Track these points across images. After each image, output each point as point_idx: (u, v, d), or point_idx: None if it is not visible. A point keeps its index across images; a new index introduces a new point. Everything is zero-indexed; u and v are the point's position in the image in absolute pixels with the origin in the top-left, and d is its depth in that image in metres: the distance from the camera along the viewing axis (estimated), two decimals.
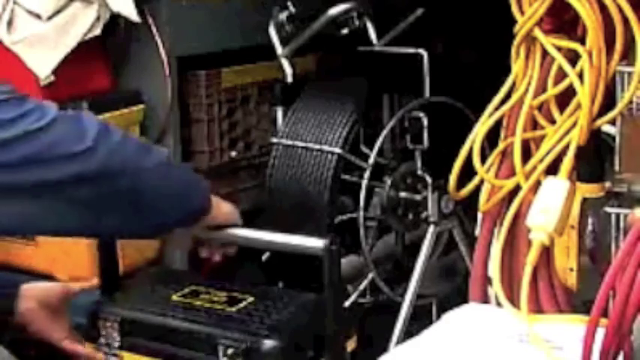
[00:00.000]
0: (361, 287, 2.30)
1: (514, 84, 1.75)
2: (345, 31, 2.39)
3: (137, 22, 2.17)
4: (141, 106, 2.23)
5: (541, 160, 1.67)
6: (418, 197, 2.35)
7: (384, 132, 2.30)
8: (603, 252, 1.70)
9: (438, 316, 1.69)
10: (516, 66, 1.74)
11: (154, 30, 2.21)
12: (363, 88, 2.35)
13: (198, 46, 2.31)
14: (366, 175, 2.25)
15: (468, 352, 1.52)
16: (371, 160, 2.26)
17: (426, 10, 2.47)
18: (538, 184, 1.66)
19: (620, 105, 1.64)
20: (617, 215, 1.66)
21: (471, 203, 2.29)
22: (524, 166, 1.69)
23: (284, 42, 2.36)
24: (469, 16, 2.57)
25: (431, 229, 2.32)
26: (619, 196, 1.66)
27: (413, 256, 2.34)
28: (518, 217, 1.71)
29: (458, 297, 1.89)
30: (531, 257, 1.62)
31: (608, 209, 1.67)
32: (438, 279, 2.52)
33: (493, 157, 1.77)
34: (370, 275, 2.30)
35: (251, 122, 2.49)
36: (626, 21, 1.62)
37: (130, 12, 2.15)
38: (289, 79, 2.37)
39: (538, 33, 1.69)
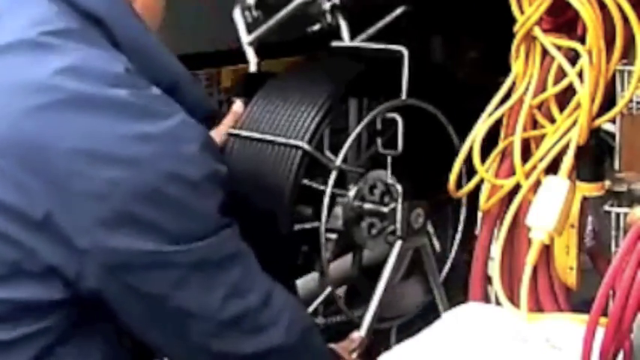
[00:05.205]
0: (316, 303, 2.05)
1: (514, 83, 1.75)
2: (316, 27, 2.20)
3: None
4: None
5: (541, 160, 1.67)
6: (385, 209, 2.10)
7: (355, 132, 2.07)
8: (603, 251, 1.71)
9: (398, 342, 1.62)
10: (516, 65, 1.74)
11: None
12: (346, 69, 2.10)
13: (198, 45, 2.31)
14: (332, 178, 2.00)
15: (468, 352, 1.52)
16: (338, 162, 2.01)
17: (426, 9, 2.43)
18: (538, 183, 1.66)
19: (620, 104, 1.64)
20: (617, 214, 1.66)
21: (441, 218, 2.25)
22: (524, 165, 1.69)
23: (250, 28, 2.19)
24: (469, 15, 2.56)
25: (398, 244, 2.07)
26: (619, 195, 1.66)
27: (371, 281, 2.10)
28: (518, 216, 1.71)
29: (419, 322, 1.80)
30: (531, 256, 1.62)
31: (608, 208, 1.67)
32: (400, 302, 2.29)
33: (493, 157, 1.76)
34: (328, 290, 2.05)
35: None
36: (626, 20, 1.62)
37: None
38: (253, 68, 2.17)
39: (538, 32, 1.69)
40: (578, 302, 1.68)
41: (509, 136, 1.74)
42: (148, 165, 1.39)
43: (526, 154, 1.70)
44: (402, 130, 2.05)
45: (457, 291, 2.12)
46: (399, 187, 2.07)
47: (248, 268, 1.52)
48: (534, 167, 1.68)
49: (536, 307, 1.67)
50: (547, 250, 1.68)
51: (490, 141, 1.77)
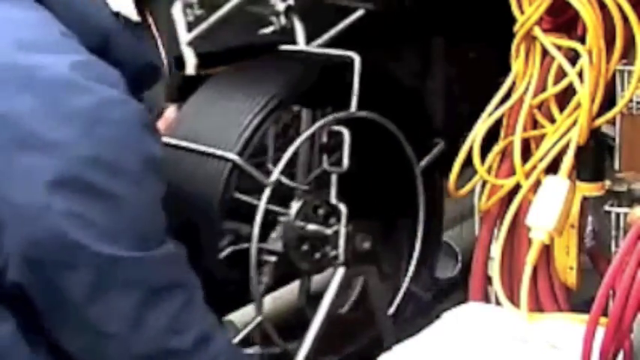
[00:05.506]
0: (243, 333, 1.79)
1: (514, 83, 1.75)
2: (268, 29, 2.00)
3: (137, 22, 2.16)
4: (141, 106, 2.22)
5: (541, 160, 1.67)
6: (328, 231, 1.83)
7: (294, 145, 1.82)
8: (603, 251, 1.71)
9: None
10: (516, 65, 1.74)
11: (154, 30, 2.20)
12: (289, 74, 1.87)
13: (198, 45, 2.31)
14: (265, 194, 1.77)
15: (468, 352, 1.52)
16: (273, 177, 1.77)
17: (427, 12, 2.40)
18: (538, 183, 1.66)
19: (620, 104, 1.64)
20: (617, 214, 1.66)
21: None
22: (524, 165, 1.69)
23: (191, 27, 1.97)
24: (468, 15, 2.54)
25: (340, 271, 1.82)
26: (619, 195, 1.66)
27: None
28: (518, 216, 1.71)
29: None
30: (531, 256, 1.62)
31: (608, 208, 1.67)
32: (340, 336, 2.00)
33: (493, 157, 1.77)
34: (258, 319, 1.79)
35: None
36: (625, 20, 1.62)
37: (130, 12, 2.14)
38: (190, 70, 1.96)
39: (538, 32, 1.69)
40: (578, 302, 1.69)
41: (509, 136, 1.74)
42: (67, 149, 1.25)
43: (526, 154, 1.71)
44: (350, 144, 1.82)
45: (409, 324, 1.94)
46: (343, 208, 1.83)
47: (190, 305, 1.35)
48: (534, 167, 1.68)
49: (537, 307, 1.68)
50: (547, 250, 1.68)
51: (490, 141, 1.77)
